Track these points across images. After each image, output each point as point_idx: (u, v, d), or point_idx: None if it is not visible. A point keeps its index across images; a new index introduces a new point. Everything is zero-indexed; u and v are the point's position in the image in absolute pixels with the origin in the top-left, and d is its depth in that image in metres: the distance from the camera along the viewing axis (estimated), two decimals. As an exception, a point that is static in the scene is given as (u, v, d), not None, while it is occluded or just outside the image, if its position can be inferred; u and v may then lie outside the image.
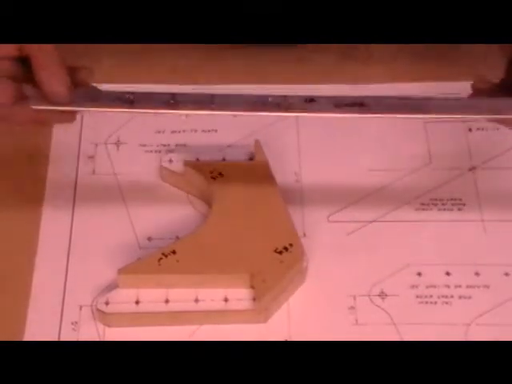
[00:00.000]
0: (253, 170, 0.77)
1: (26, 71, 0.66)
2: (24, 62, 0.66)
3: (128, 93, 0.67)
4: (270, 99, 0.67)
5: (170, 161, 0.79)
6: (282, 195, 0.76)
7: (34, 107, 0.66)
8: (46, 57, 0.65)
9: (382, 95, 0.68)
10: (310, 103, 0.67)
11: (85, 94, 0.67)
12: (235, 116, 0.84)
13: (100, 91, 0.68)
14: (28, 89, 0.66)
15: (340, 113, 0.66)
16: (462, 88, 0.78)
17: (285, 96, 0.67)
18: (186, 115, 0.81)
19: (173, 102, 0.66)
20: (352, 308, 0.73)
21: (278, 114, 0.67)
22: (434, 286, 0.75)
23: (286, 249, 0.72)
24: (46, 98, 0.66)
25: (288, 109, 0.67)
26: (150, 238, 0.77)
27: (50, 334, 0.71)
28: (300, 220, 0.77)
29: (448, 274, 0.75)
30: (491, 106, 0.67)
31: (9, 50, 0.66)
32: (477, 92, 0.70)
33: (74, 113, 0.69)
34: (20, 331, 0.71)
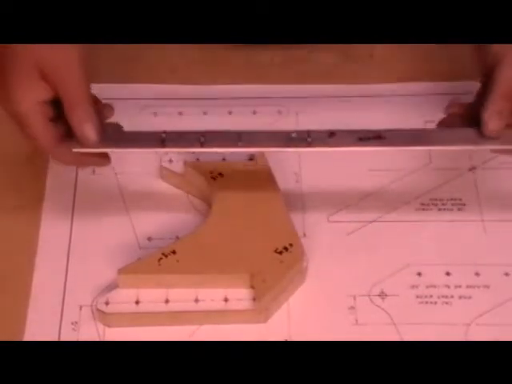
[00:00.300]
0: (253, 170, 0.77)
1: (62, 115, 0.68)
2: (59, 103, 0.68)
3: (161, 132, 0.69)
4: (293, 135, 0.69)
5: (170, 161, 0.79)
6: (282, 195, 0.76)
7: (74, 150, 0.68)
8: (76, 100, 0.67)
9: (399, 128, 0.69)
10: (331, 137, 0.69)
11: (117, 134, 0.70)
12: (234, 116, 0.85)
13: (126, 131, 0.71)
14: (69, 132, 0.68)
15: (361, 146, 0.69)
16: (462, 88, 0.78)
17: (308, 131, 0.69)
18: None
19: (203, 140, 0.69)
20: (352, 308, 0.73)
21: (304, 149, 0.69)
22: (434, 286, 0.74)
23: (285, 249, 0.72)
24: (79, 141, 0.68)
25: (311, 144, 0.69)
26: (149, 238, 0.77)
27: (50, 334, 0.71)
28: (300, 220, 0.77)
29: (448, 274, 0.75)
30: (507, 136, 0.68)
31: (47, 93, 0.67)
32: (451, 116, 0.72)
33: (109, 156, 0.71)
34: (20, 331, 0.71)
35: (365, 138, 0.69)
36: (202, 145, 0.69)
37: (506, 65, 0.68)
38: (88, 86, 0.68)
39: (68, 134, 0.68)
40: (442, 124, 0.72)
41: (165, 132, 0.69)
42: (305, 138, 0.69)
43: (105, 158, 0.71)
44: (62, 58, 0.67)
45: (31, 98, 0.66)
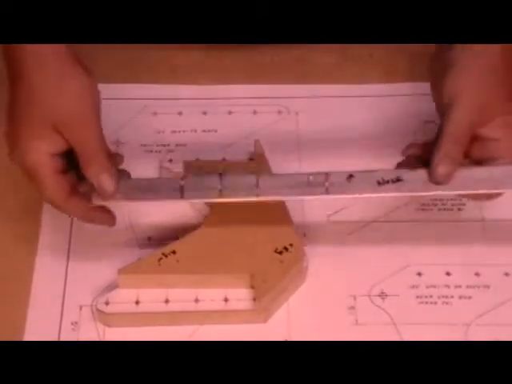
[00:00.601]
0: (253, 170, 0.77)
1: (74, 165, 0.67)
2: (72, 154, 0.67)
3: (179, 179, 0.69)
4: (310, 178, 0.68)
5: (170, 161, 0.79)
6: (282, 195, 0.76)
7: (95, 203, 0.68)
8: (92, 152, 0.66)
9: (416, 170, 0.68)
10: (350, 181, 0.68)
11: (134, 184, 0.69)
12: (234, 116, 0.85)
13: (141, 179, 0.70)
14: (83, 186, 0.68)
15: (380, 192, 0.68)
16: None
17: (326, 174, 0.69)
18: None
19: (220, 187, 0.68)
20: (352, 308, 0.73)
21: (323, 196, 0.68)
22: (434, 286, 0.75)
23: (286, 249, 0.72)
24: (97, 193, 0.67)
25: (329, 189, 0.68)
26: (149, 238, 0.77)
27: (50, 334, 0.71)
28: (300, 220, 0.77)
29: (448, 274, 0.75)
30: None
31: (59, 145, 0.66)
32: (409, 158, 0.71)
33: (114, 217, 0.71)
34: (20, 331, 0.71)
35: (383, 181, 0.68)
36: (220, 193, 0.68)
37: (457, 108, 0.66)
38: (103, 138, 0.67)
39: (78, 188, 0.68)
40: (400, 166, 0.70)
41: (183, 178, 0.69)
42: (322, 183, 0.68)
43: (113, 216, 0.71)
44: (77, 112, 0.66)
45: (42, 150, 0.65)
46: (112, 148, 0.82)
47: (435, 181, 0.67)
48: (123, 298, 0.71)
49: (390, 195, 0.68)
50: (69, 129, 0.65)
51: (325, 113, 0.86)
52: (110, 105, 0.85)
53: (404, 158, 0.71)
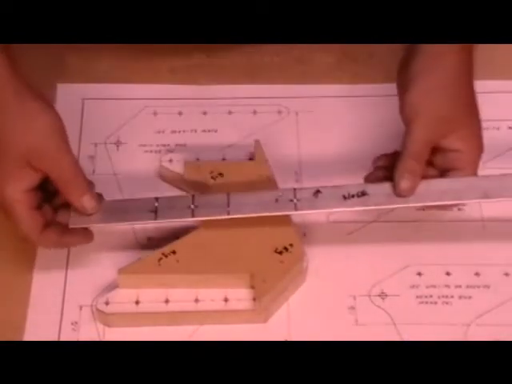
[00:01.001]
0: (253, 170, 0.77)
1: (48, 195, 0.70)
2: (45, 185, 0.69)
3: (153, 201, 0.71)
4: (279, 195, 0.71)
5: (170, 161, 0.79)
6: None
7: (71, 226, 0.70)
8: (70, 177, 0.68)
9: (381, 184, 0.70)
10: (316, 197, 0.70)
11: (108, 206, 0.71)
12: (234, 116, 0.85)
13: (115, 201, 0.72)
14: (61, 214, 0.70)
15: (346, 206, 0.70)
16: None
17: (294, 190, 0.71)
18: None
19: (193, 207, 0.70)
20: (352, 308, 0.73)
21: (292, 212, 0.71)
22: (434, 286, 0.75)
23: (286, 249, 0.72)
24: (80, 215, 0.70)
25: (297, 205, 0.70)
26: (149, 238, 0.77)
27: (50, 334, 0.71)
28: (300, 220, 0.77)
29: (448, 274, 0.75)
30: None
31: (32, 180, 0.68)
32: (377, 169, 0.73)
33: (91, 233, 0.72)
34: (20, 331, 0.71)
35: (349, 196, 0.70)
36: (192, 213, 0.70)
37: (416, 125, 0.68)
38: (77, 162, 0.69)
39: (55, 219, 0.70)
40: (368, 179, 0.73)
41: (156, 199, 0.71)
42: (291, 199, 0.70)
43: (89, 234, 0.72)
44: (47, 144, 0.67)
45: (16, 189, 0.67)
46: (112, 148, 0.83)
47: (399, 194, 0.69)
48: (123, 298, 0.71)
49: (355, 209, 0.70)
50: (42, 161, 0.67)
51: (325, 113, 0.86)
52: (110, 105, 0.85)
53: (372, 169, 0.73)
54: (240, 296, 0.72)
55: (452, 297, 0.74)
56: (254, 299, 0.71)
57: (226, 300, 0.71)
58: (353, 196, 0.70)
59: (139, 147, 0.83)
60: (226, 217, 0.70)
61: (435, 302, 0.74)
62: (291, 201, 0.70)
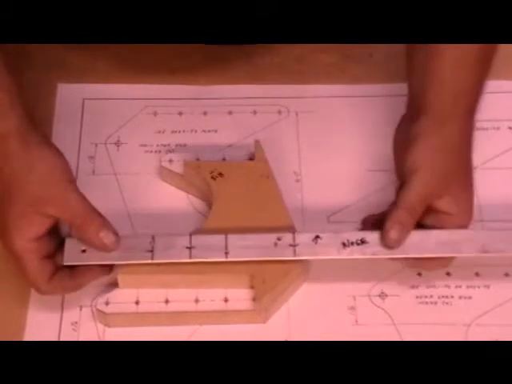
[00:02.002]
0: (253, 170, 0.77)
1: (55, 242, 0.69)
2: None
3: (149, 240, 0.70)
4: (279, 239, 0.70)
5: (170, 161, 0.79)
6: (282, 195, 0.76)
7: (66, 263, 0.69)
8: (84, 215, 0.68)
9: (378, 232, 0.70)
10: (316, 242, 0.70)
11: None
12: (234, 116, 0.85)
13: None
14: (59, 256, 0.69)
15: (345, 254, 0.70)
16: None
17: (293, 234, 0.70)
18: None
19: (189, 246, 0.70)
20: (352, 308, 0.73)
21: (291, 258, 0.70)
22: (434, 286, 0.74)
23: (285, 249, 0.72)
24: (99, 252, 0.69)
25: (296, 251, 0.70)
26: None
27: (50, 334, 0.71)
28: (300, 220, 0.77)
29: (448, 274, 0.75)
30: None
31: (42, 226, 0.67)
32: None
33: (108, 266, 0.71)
34: (20, 331, 0.71)
35: (348, 243, 0.70)
36: (190, 254, 0.69)
37: (416, 179, 0.69)
38: (87, 200, 0.68)
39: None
40: (364, 222, 0.73)
41: (152, 238, 0.70)
42: (290, 244, 0.70)
43: (105, 267, 0.71)
44: (55, 189, 0.67)
45: (24, 237, 0.67)
46: (112, 148, 0.83)
47: (386, 245, 0.69)
48: (123, 298, 0.71)
49: (354, 257, 0.70)
50: (51, 206, 0.67)
51: (325, 113, 0.86)
52: (110, 105, 0.85)
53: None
54: (240, 296, 0.72)
55: (452, 297, 0.74)
56: (254, 299, 0.71)
57: (225, 300, 0.71)
58: (352, 243, 0.70)
59: (139, 147, 0.83)
60: (224, 259, 0.69)
61: (435, 302, 0.74)
62: (290, 245, 0.70)
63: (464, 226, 0.70)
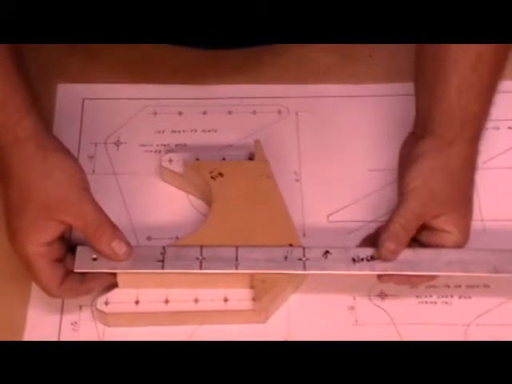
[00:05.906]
0: (253, 170, 0.77)
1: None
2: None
3: (160, 249, 0.70)
4: (289, 253, 0.71)
5: (170, 161, 0.79)
6: (282, 195, 0.76)
7: (76, 270, 0.69)
8: (97, 223, 0.68)
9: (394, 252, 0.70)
10: (326, 257, 0.70)
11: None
12: (234, 116, 0.85)
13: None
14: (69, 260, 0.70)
15: (354, 269, 0.70)
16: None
17: (303, 249, 0.71)
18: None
19: (201, 258, 0.70)
20: (352, 308, 0.73)
21: (300, 272, 0.70)
22: (434, 286, 0.74)
23: (285, 249, 0.72)
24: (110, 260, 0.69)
25: (306, 265, 0.70)
26: (149, 238, 0.77)
27: (50, 334, 0.71)
28: (300, 220, 0.77)
29: (448, 273, 0.75)
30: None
31: (55, 231, 0.67)
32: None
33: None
34: (20, 331, 0.71)
35: (358, 259, 0.70)
36: (201, 265, 0.70)
37: (415, 197, 0.70)
38: (102, 209, 0.69)
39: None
40: (365, 240, 0.73)
41: (163, 249, 0.70)
42: (300, 258, 0.70)
43: (114, 275, 0.71)
44: (70, 197, 0.68)
45: (39, 242, 0.67)
46: (112, 148, 0.83)
47: (382, 257, 0.70)
48: (123, 298, 0.71)
49: (364, 273, 0.70)
50: (66, 213, 0.67)
51: (325, 113, 0.86)
52: (109, 105, 0.85)
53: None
54: (240, 296, 0.72)
55: (452, 297, 0.74)
56: (254, 299, 0.71)
57: (225, 300, 0.71)
58: (362, 259, 0.70)
59: (139, 147, 0.83)
60: (234, 271, 0.70)
61: (435, 302, 0.74)
62: (300, 259, 0.70)
63: (459, 246, 0.71)
